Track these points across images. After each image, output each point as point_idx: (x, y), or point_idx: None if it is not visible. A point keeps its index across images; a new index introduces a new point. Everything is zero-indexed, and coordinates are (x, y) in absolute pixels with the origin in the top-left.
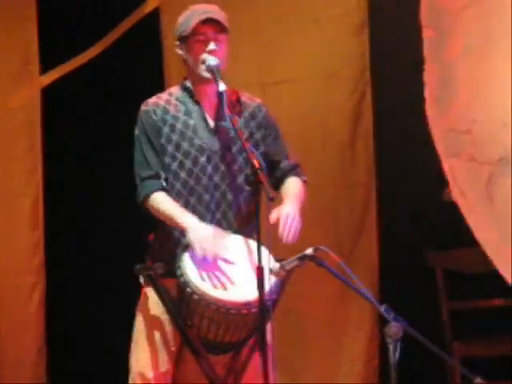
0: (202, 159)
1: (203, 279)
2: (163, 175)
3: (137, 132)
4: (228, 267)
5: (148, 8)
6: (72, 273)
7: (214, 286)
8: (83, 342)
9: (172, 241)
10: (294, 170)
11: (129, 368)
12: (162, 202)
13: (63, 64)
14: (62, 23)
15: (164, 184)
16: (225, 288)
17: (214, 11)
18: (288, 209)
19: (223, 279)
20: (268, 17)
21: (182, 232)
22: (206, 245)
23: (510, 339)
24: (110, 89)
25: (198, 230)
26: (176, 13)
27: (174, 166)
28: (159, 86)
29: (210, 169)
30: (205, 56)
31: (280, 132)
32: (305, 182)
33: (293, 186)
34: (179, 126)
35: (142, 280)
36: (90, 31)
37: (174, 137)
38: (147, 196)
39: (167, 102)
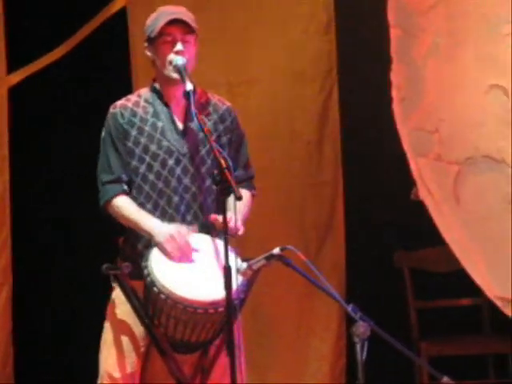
0: (171, 161)
1: (168, 276)
2: (125, 179)
3: (103, 134)
4: (195, 265)
5: (115, 7)
6: (39, 273)
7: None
8: (51, 343)
9: (143, 243)
10: (245, 182)
11: (98, 368)
12: (124, 206)
13: (31, 63)
14: (29, 22)
15: (125, 188)
16: (190, 261)
17: (182, 12)
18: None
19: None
20: (235, 17)
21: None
22: (174, 244)
23: (477, 338)
24: (77, 88)
25: (162, 232)
26: (143, 12)
27: (143, 168)
28: (126, 86)
29: (178, 171)
30: (172, 56)
31: (245, 140)
32: (253, 195)
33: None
34: (147, 128)
35: (112, 280)
36: (58, 30)
37: (142, 139)
38: (108, 201)
39: (135, 103)
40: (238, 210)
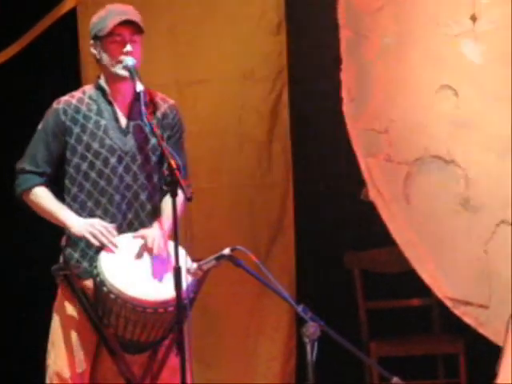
0: (113, 160)
1: (118, 275)
2: (49, 173)
3: (39, 127)
4: (144, 265)
5: (65, 8)
6: None
7: (106, 247)
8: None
9: (84, 242)
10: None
11: (45, 368)
12: (42, 196)
13: None
14: None
15: (46, 181)
16: (114, 245)
17: (130, 12)
18: (153, 232)
19: (109, 235)
20: (184, 16)
21: None
22: (95, 230)
23: (427, 339)
24: (25, 88)
25: (79, 222)
26: (93, 13)
27: (84, 166)
28: (76, 87)
29: (120, 169)
30: (122, 57)
31: (183, 139)
32: (189, 198)
33: (168, 206)
34: (90, 125)
35: (57, 280)
36: (7, 30)
37: (85, 137)
38: (28, 189)
39: (80, 100)
40: (167, 214)
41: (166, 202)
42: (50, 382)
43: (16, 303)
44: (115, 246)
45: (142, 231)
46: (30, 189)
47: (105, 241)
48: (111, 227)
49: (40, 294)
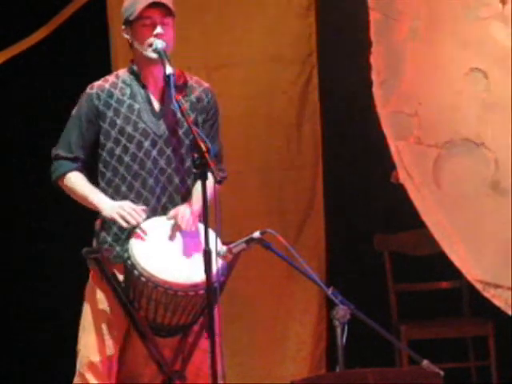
0: (147, 143)
1: (149, 259)
2: (82, 158)
3: (73, 112)
4: (175, 248)
5: None
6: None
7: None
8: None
9: (117, 226)
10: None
11: (76, 353)
12: (76, 182)
13: (9, 47)
14: (6, 6)
15: (80, 166)
16: (139, 222)
17: None
18: (182, 210)
19: (137, 215)
20: (213, 0)
21: None
22: (124, 212)
23: (456, 322)
24: (57, 73)
25: (110, 204)
26: None
27: (118, 150)
28: (106, 71)
29: (154, 153)
30: (151, 40)
31: (219, 122)
32: (223, 178)
33: (199, 189)
34: (123, 109)
35: (88, 264)
36: (37, 14)
37: (118, 121)
38: (63, 174)
39: (113, 84)
40: (196, 197)
41: (198, 185)
42: (81, 366)
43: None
44: (144, 231)
45: (173, 210)
46: (64, 174)
47: (133, 222)
48: (141, 209)
49: (73, 277)
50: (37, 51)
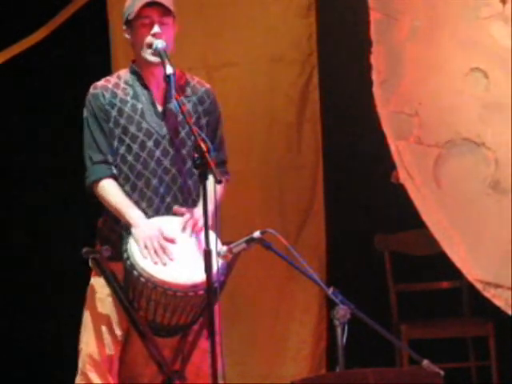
0: (150, 143)
1: (145, 257)
2: (112, 160)
3: (85, 114)
4: (175, 248)
5: None
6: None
7: (155, 263)
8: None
9: (121, 225)
10: (218, 166)
11: (78, 351)
12: (111, 191)
13: (9, 47)
14: (6, 6)
15: (114, 171)
16: (163, 264)
17: None
18: (187, 215)
19: (163, 256)
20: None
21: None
22: (150, 244)
23: (457, 321)
24: (57, 73)
25: (143, 228)
26: None
27: (122, 149)
28: (106, 71)
29: (158, 153)
30: (150, 39)
31: (221, 123)
32: (226, 180)
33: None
34: (127, 109)
35: (90, 264)
36: (37, 14)
37: (122, 120)
38: (97, 181)
39: (115, 85)
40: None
41: (208, 186)
42: (83, 365)
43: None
44: (164, 264)
45: (186, 216)
46: (98, 181)
47: (156, 259)
48: (168, 249)
49: (74, 277)
50: (37, 51)
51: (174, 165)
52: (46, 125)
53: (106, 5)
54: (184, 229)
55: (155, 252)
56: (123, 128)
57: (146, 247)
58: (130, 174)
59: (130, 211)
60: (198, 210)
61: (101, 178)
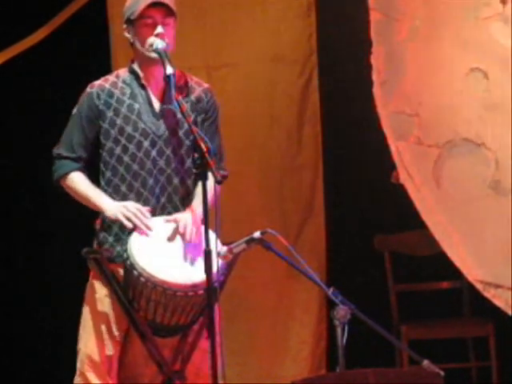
0: (146, 143)
1: (148, 259)
2: (84, 157)
3: (74, 111)
4: (175, 248)
5: None
6: (20, 260)
7: (141, 233)
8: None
9: (118, 225)
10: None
11: (77, 352)
12: (78, 182)
13: (9, 47)
14: (6, 6)
15: (82, 166)
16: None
17: None
18: (186, 217)
19: (143, 218)
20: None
21: None
22: (128, 212)
23: (457, 322)
24: (57, 73)
25: (115, 205)
26: None
27: (118, 150)
28: (106, 71)
29: (154, 153)
30: (152, 39)
31: (218, 123)
32: (223, 176)
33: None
34: (123, 109)
35: (89, 264)
36: (37, 14)
37: (118, 121)
38: (65, 174)
39: (113, 84)
40: (200, 199)
41: (200, 187)
42: (81, 366)
43: (51, 287)
44: (149, 228)
45: (175, 215)
46: (66, 174)
47: (138, 222)
48: (145, 209)
49: (73, 277)
50: (37, 51)
51: (169, 165)
52: (46, 125)
53: (105, 5)
54: (183, 235)
55: (136, 216)
56: (120, 128)
57: (126, 218)
58: (126, 175)
59: (98, 196)
60: (184, 215)
61: (68, 172)
